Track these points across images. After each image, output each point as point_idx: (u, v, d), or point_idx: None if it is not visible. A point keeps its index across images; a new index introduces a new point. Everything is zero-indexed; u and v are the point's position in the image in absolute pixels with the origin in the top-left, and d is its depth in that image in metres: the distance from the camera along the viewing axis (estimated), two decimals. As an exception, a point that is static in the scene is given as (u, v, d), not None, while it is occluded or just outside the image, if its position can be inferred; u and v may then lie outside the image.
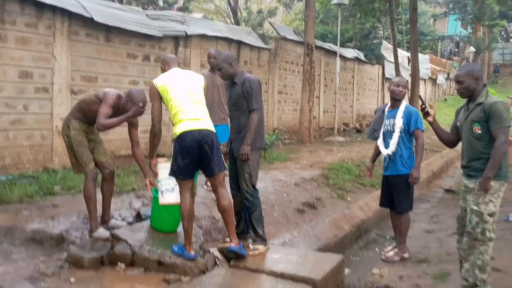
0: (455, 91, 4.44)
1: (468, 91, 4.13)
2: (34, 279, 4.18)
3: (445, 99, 37.25)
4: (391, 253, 5.70)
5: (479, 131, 4.01)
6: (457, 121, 4.38)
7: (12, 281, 3.97)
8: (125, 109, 4.91)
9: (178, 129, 4.38)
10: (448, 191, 9.60)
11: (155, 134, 4.70)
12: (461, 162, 4.37)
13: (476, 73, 4.15)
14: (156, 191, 4.94)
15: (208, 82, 5.11)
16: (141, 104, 4.83)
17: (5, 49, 7.54)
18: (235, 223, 4.98)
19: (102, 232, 4.94)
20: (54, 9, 8.17)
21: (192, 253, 4.56)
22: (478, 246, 4.00)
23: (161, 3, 21.78)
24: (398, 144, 5.41)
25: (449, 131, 4.54)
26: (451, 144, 4.63)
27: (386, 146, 5.51)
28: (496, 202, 4.01)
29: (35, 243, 5.00)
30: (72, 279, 4.27)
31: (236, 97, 4.98)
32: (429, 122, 4.47)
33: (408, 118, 5.40)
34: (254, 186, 5.06)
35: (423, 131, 5.45)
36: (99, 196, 5.32)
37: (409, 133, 5.42)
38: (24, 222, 5.25)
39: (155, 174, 4.94)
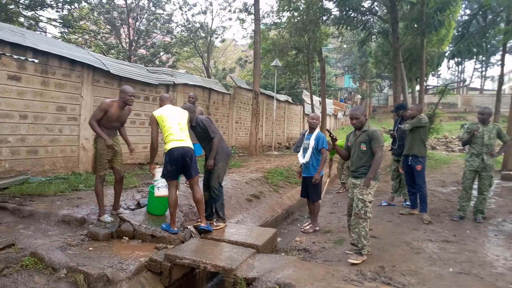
0: (349, 123, 4.56)
1: (361, 124, 4.30)
2: (63, 248, 4.04)
3: (343, 128, 38.12)
4: (307, 227, 5.73)
5: (365, 149, 4.18)
6: (348, 143, 4.49)
7: (48, 249, 3.80)
8: (124, 103, 4.86)
9: (169, 146, 4.46)
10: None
11: (153, 148, 4.69)
12: (350, 168, 4.42)
13: (365, 112, 4.38)
14: (152, 187, 4.92)
15: None
16: (132, 94, 4.86)
17: (47, 91, 7.25)
18: (205, 209, 4.95)
19: (106, 217, 4.83)
20: (82, 64, 7.92)
21: (175, 229, 4.58)
22: (362, 222, 4.08)
23: (157, 62, 21.55)
24: (311, 156, 5.47)
25: (344, 150, 4.62)
26: (346, 158, 4.69)
27: (304, 157, 5.56)
28: (372, 194, 4.13)
29: (64, 224, 4.82)
30: (91, 248, 4.18)
31: (199, 135, 5.10)
32: (334, 145, 4.59)
33: (318, 140, 5.48)
34: (220, 184, 5.11)
35: (327, 149, 5.52)
36: (110, 192, 5.15)
37: (318, 150, 5.48)
38: (57, 209, 5.05)
39: (153, 175, 4.89)
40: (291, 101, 23.07)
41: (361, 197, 4.10)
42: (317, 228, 5.66)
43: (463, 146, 6.26)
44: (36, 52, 6.93)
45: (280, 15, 17.97)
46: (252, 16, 15.94)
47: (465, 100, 42.60)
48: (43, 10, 15.35)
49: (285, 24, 18.06)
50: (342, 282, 3.46)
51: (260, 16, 15.22)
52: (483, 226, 5.69)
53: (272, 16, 19.27)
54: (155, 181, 4.81)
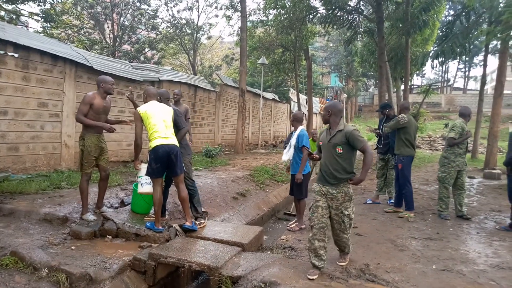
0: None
1: (325, 120, 3.87)
2: (45, 247, 3.97)
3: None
4: (293, 225, 5.73)
5: (341, 151, 3.66)
6: (319, 142, 3.98)
7: (29, 248, 3.72)
8: (106, 92, 4.82)
9: (154, 143, 4.41)
10: None
11: (137, 145, 4.60)
12: (323, 173, 3.83)
13: (334, 109, 3.80)
14: (136, 185, 4.85)
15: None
16: (112, 82, 4.86)
17: (29, 87, 7.08)
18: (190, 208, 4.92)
19: (89, 216, 4.75)
20: (65, 59, 7.76)
21: (160, 227, 4.53)
22: (347, 232, 3.91)
23: (142, 58, 21.32)
24: (293, 154, 5.49)
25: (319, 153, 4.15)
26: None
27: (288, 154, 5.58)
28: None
29: (46, 222, 4.71)
30: (73, 247, 4.11)
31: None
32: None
33: (298, 138, 5.50)
34: (191, 179, 5.07)
35: (308, 148, 5.36)
36: (94, 190, 5.07)
37: (299, 148, 5.47)
38: (38, 207, 4.94)
39: (138, 170, 4.82)
40: (277, 99, 23.11)
41: (346, 212, 3.77)
42: (303, 226, 5.66)
43: (450, 147, 6.20)
44: (17, 46, 6.76)
45: (267, 12, 17.97)
46: (239, 13, 15.87)
47: (449, 99, 43.36)
48: (25, 4, 14.99)
49: (272, 22, 18.07)
50: (328, 279, 3.48)
51: (247, 13, 15.19)
52: (465, 224, 5.80)
53: (259, 13, 19.25)
54: (139, 177, 4.76)
